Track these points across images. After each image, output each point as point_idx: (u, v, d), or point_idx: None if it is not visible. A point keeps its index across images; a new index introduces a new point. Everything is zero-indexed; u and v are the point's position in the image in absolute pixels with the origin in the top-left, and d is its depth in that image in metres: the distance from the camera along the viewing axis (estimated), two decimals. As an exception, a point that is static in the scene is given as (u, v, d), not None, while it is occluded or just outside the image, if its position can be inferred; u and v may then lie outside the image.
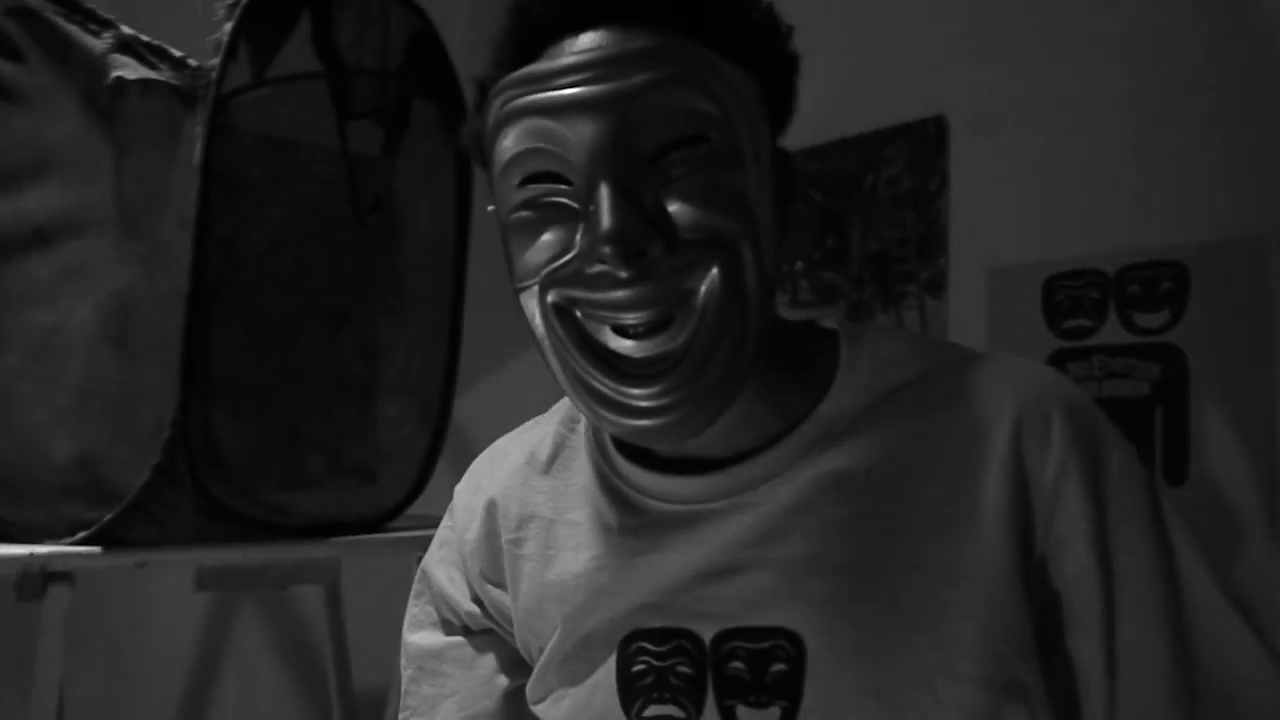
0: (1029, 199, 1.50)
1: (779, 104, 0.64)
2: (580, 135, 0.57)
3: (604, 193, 0.56)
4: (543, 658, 0.72)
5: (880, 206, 1.70)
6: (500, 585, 0.76)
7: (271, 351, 1.47)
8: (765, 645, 0.62)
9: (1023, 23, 1.51)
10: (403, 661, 0.84)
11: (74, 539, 1.10)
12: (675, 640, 0.65)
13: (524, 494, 0.75)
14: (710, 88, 0.58)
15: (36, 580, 1.08)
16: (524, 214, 0.60)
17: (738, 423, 0.64)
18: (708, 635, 0.64)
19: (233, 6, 1.11)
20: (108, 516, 1.08)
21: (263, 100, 1.27)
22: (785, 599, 0.62)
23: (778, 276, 0.64)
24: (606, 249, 0.55)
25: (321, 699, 1.81)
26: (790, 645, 0.61)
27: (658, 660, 0.65)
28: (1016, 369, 0.65)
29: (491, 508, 0.77)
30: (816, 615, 0.61)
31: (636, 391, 0.58)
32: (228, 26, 1.10)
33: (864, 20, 1.72)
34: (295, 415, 1.52)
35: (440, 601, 0.83)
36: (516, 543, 0.74)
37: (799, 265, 1.83)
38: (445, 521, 0.84)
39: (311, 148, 1.53)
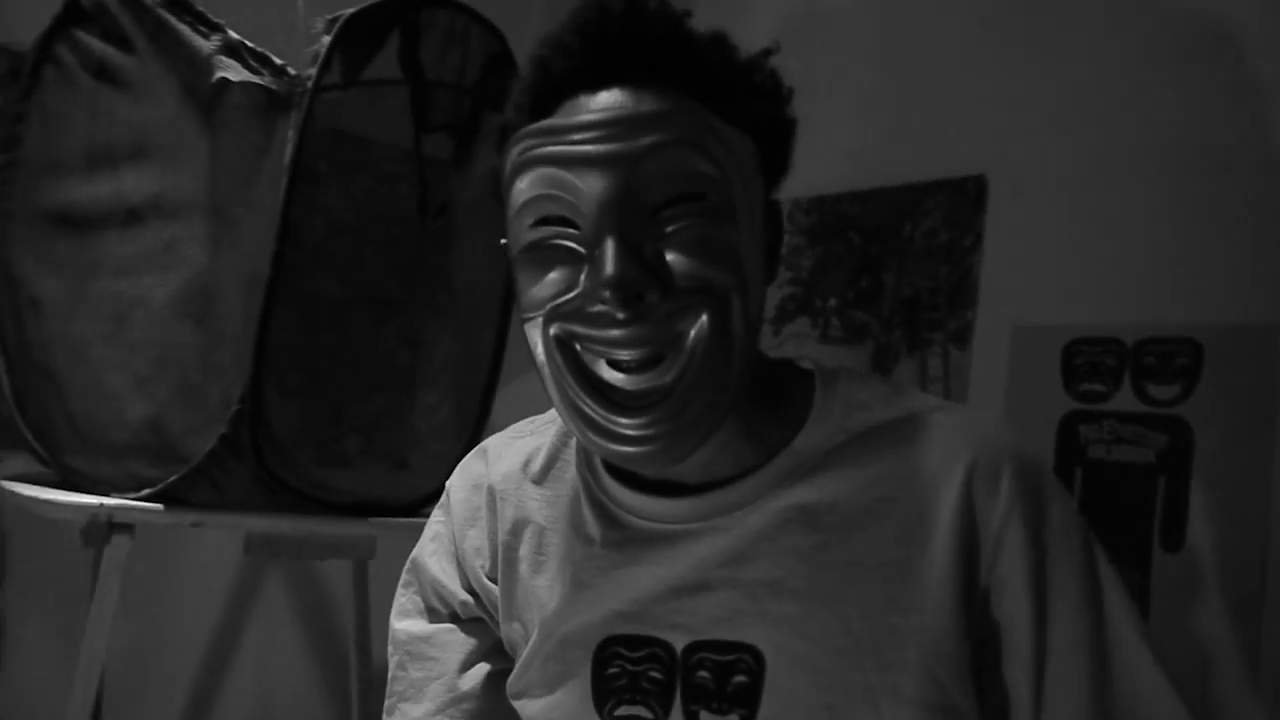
0: (1058, 264, 1.56)
1: (774, 163, 0.70)
2: (591, 187, 0.63)
3: (609, 242, 0.62)
4: (523, 656, 0.77)
5: (915, 255, 1.77)
6: (494, 579, 0.80)
7: (321, 333, 1.57)
8: (730, 658, 0.68)
9: (1068, 95, 1.58)
10: (390, 649, 0.86)
11: (138, 494, 1.20)
12: (649, 648, 0.70)
13: (519, 499, 0.79)
14: (710, 150, 0.64)
15: (102, 529, 1.18)
16: (534, 252, 0.66)
17: (716, 452, 0.69)
18: (680, 645, 0.69)
19: (331, 22, 1.20)
20: (173, 477, 1.18)
21: (341, 98, 1.36)
22: (750, 617, 0.68)
23: (761, 320, 0.69)
24: (608, 293, 0.61)
25: (337, 667, 1.90)
26: (752, 659, 0.67)
27: (632, 665, 0.71)
28: (975, 421, 0.71)
29: (491, 505, 0.81)
30: (777, 634, 0.67)
31: (625, 421, 0.64)
32: (325, 40, 1.19)
33: (915, 76, 1.79)
34: (338, 396, 1.61)
35: (430, 591, 0.85)
36: (511, 544, 0.79)
37: (832, 302, 1.90)
38: (437, 516, 0.86)
39: (378, 144, 1.62)
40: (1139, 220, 1.48)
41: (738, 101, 0.66)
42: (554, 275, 0.65)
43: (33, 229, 1.32)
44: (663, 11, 0.68)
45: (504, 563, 0.79)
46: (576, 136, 0.64)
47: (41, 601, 1.63)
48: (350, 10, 1.21)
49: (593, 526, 0.74)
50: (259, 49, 1.20)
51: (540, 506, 0.78)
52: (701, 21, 0.69)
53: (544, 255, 0.65)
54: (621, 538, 0.73)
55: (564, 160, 0.63)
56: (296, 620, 1.92)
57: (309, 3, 1.29)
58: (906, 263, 1.79)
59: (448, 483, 0.86)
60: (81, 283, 1.28)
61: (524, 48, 1.40)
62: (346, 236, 1.64)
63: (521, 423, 0.86)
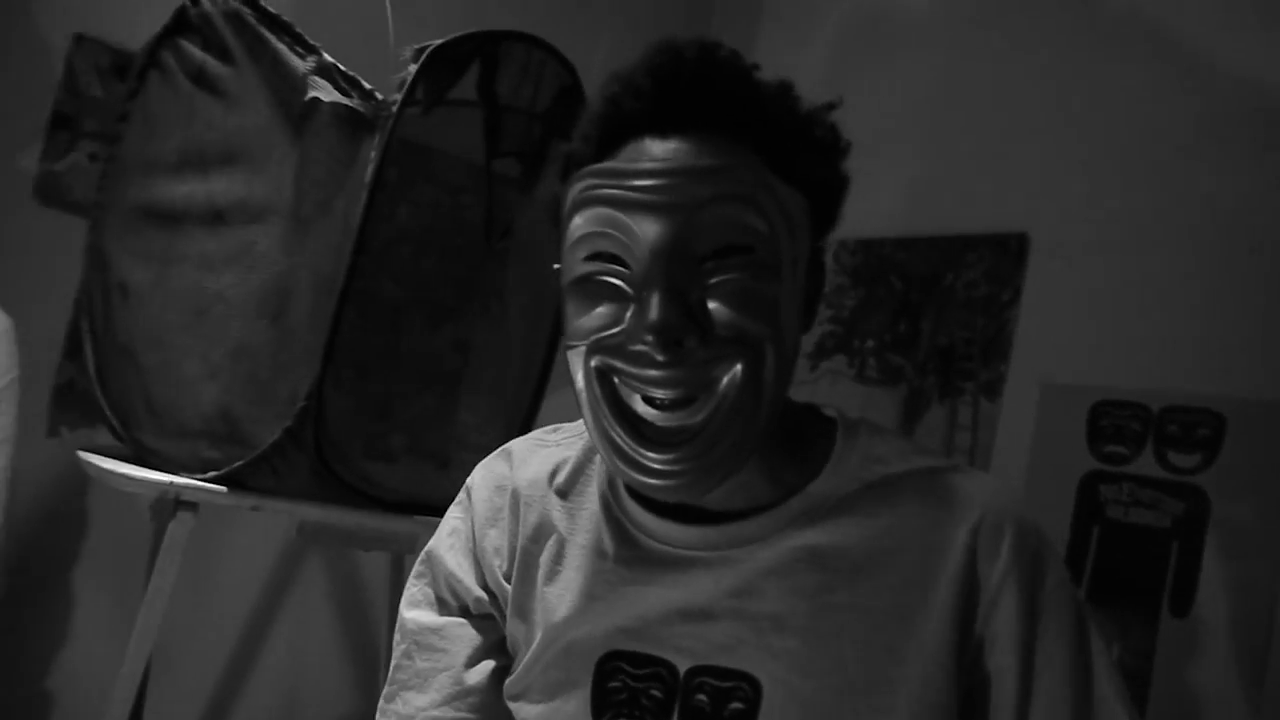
0: (1092, 326, 1.61)
1: (824, 217, 0.73)
2: (645, 233, 0.66)
3: (656, 288, 0.65)
4: (525, 659, 0.79)
5: (954, 305, 1.82)
6: (510, 579, 0.82)
7: (377, 332, 1.65)
8: (728, 685, 0.71)
9: (1114, 164, 1.63)
10: (397, 637, 0.87)
11: (205, 475, 1.29)
12: (653, 667, 0.73)
13: (544, 507, 0.81)
14: (762, 206, 0.67)
15: (170, 505, 1.27)
16: (584, 284, 0.69)
17: (735, 487, 0.71)
18: (683, 668, 0.72)
19: (419, 52, 1.28)
20: (238, 462, 1.26)
21: (420, 116, 1.44)
22: (752, 648, 0.70)
23: (793, 369, 0.71)
24: (650, 337, 0.64)
25: (366, 652, 1.99)
26: (750, 689, 0.70)
27: (634, 681, 0.73)
28: (983, 484, 0.74)
29: (514, 508, 0.82)
30: (776, 667, 0.69)
31: (653, 455, 0.67)
32: (412, 69, 1.27)
33: (968, 133, 1.84)
34: (388, 393, 1.70)
35: (444, 584, 0.85)
36: (530, 550, 0.81)
37: (870, 343, 1.96)
38: (455, 512, 0.87)
39: (447, 157, 1.71)
40: (1172, 290, 1.53)
41: (795, 157, 0.69)
42: (601, 309, 0.68)
43: (126, 220, 1.42)
44: (733, 62, 0.70)
45: (521, 565, 0.81)
46: (636, 183, 0.66)
47: (99, 571, 1.74)
48: (437, 42, 1.29)
49: (609, 542, 0.77)
50: (350, 73, 1.28)
51: (562, 517, 0.80)
52: (762, 67, 0.72)
53: (593, 289, 0.68)
54: (635, 557, 0.75)
55: (622, 204, 0.67)
56: (331, 605, 2.00)
57: (399, 32, 1.37)
58: (945, 311, 1.84)
59: (469, 480, 0.87)
60: (166, 274, 1.37)
61: (592, 79, 1.49)
62: (410, 242, 1.73)
63: (545, 430, 0.88)
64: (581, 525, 0.79)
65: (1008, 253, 1.76)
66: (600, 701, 0.74)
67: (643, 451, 0.68)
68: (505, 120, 1.55)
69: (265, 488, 1.30)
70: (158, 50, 1.40)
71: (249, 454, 1.26)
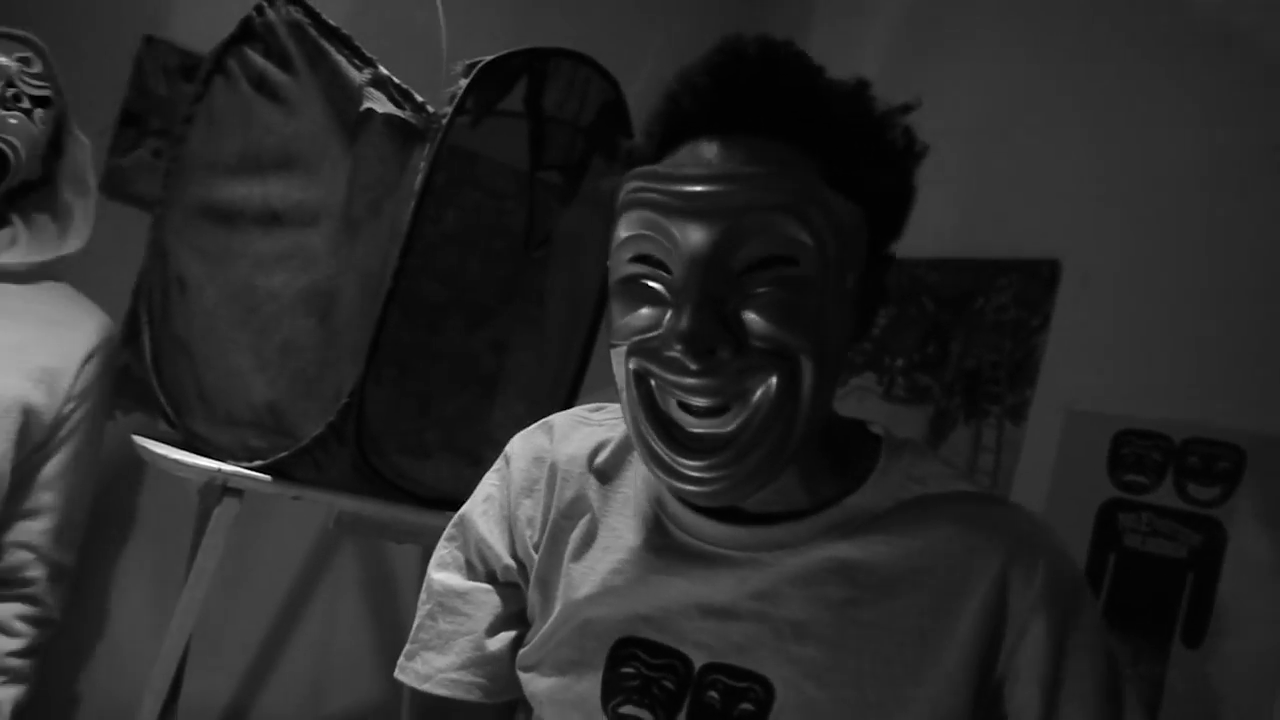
0: (1118, 355, 1.63)
1: (886, 227, 0.71)
2: (685, 239, 0.65)
3: (691, 296, 0.65)
4: (540, 632, 0.79)
5: (983, 328, 1.85)
6: (538, 550, 0.82)
7: (418, 331, 1.71)
8: (742, 685, 0.71)
9: (1147, 194, 1.64)
10: (422, 596, 0.87)
11: (250, 464, 1.35)
12: (669, 658, 0.73)
13: (581, 485, 0.81)
14: (809, 217, 0.65)
15: (216, 490, 1.34)
16: (629, 285, 0.69)
17: (772, 493, 0.71)
18: (699, 662, 0.72)
19: (470, 67, 1.34)
20: (283, 453, 1.33)
21: (468, 126, 1.50)
22: (770, 653, 0.70)
23: (836, 381, 0.70)
24: (679, 346, 0.64)
25: (392, 637, 2.05)
26: (762, 691, 0.70)
27: (648, 670, 0.73)
28: (1022, 517, 0.73)
29: (551, 481, 0.82)
30: (791, 672, 0.69)
31: (685, 461, 0.67)
32: (462, 83, 1.32)
33: (1005, 158, 1.87)
34: (425, 391, 1.76)
35: (474, 548, 0.86)
36: (563, 525, 0.81)
37: (899, 362, 1.99)
38: (492, 479, 0.88)
39: (492, 164, 1.76)
40: (1199, 323, 1.54)
41: (856, 164, 0.68)
42: (644, 311, 0.68)
43: (186, 217, 1.49)
44: (796, 63, 0.69)
45: (550, 539, 0.81)
46: (677, 188, 0.66)
47: (145, 550, 1.81)
48: (487, 58, 1.35)
49: (639, 528, 0.77)
50: (404, 85, 1.34)
51: (598, 498, 0.80)
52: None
53: (637, 290, 0.68)
54: (664, 546, 0.75)
55: (664, 209, 0.66)
56: (363, 593, 2.07)
57: (452, 47, 1.43)
58: (974, 334, 1.86)
59: (507, 448, 0.87)
60: (222, 270, 1.44)
61: (639, 90, 1.53)
62: (454, 245, 1.79)
63: (588, 407, 0.88)
64: (615, 508, 0.79)
65: (1039, 279, 1.78)
66: (611, 685, 0.74)
67: (675, 456, 0.68)
68: (550, 132, 1.61)
69: (307, 478, 1.36)
70: (223, 56, 1.47)
71: (293, 445, 1.32)
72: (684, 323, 0.64)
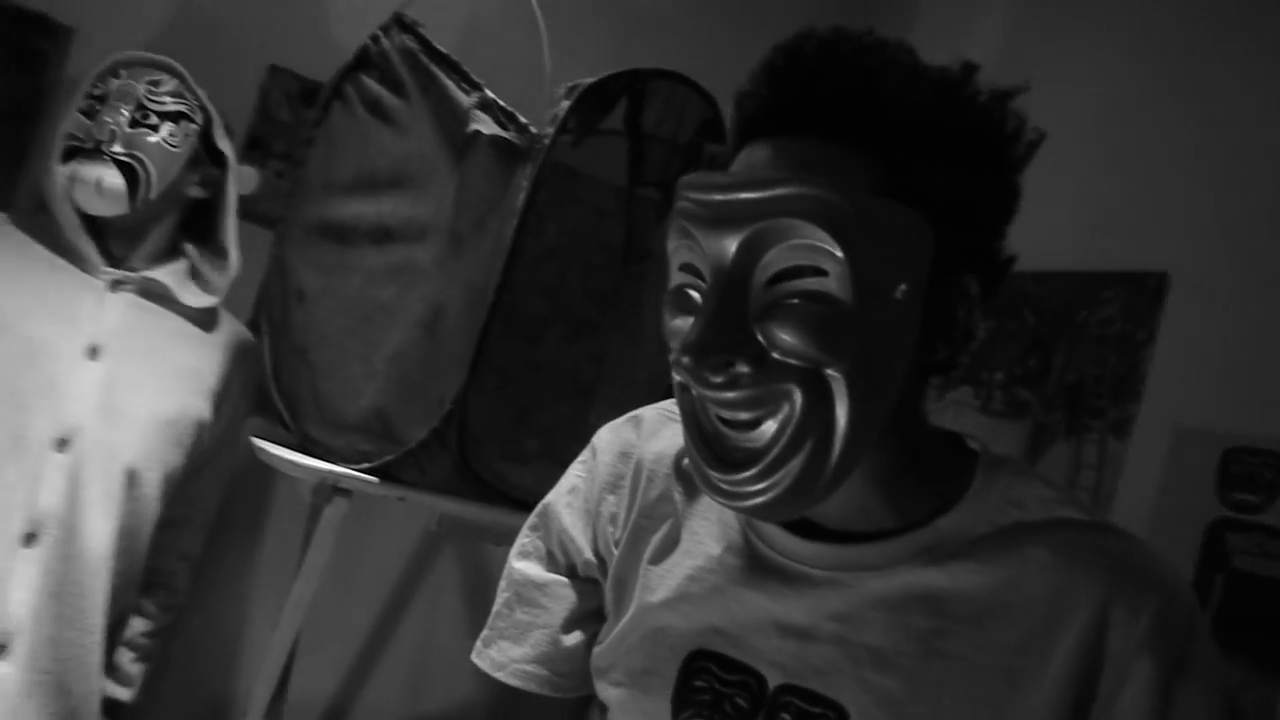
0: (1228, 370, 1.58)
1: (968, 229, 0.65)
2: (709, 249, 0.63)
3: (706, 307, 0.62)
4: (613, 634, 0.77)
5: (1087, 342, 1.81)
6: (618, 546, 0.80)
7: (520, 343, 1.77)
8: (816, 710, 0.67)
9: (1258, 207, 1.59)
10: (502, 584, 0.87)
11: (359, 466, 1.43)
12: (743, 674, 0.70)
13: (666, 485, 0.79)
14: (839, 225, 0.60)
15: (327, 490, 1.42)
16: (675, 294, 0.67)
17: (850, 511, 0.68)
18: (773, 682, 0.69)
19: (571, 89, 1.39)
20: (389, 456, 1.40)
21: (569, 145, 1.55)
22: (848, 679, 0.66)
23: (891, 399, 0.64)
24: (685, 358, 0.62)
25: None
26: (836, 718, 0.66)
27: (721, 685, 0.70)
28: (1131, 547, 0.66)
29: (636, 478, 0.80)
30: (868, 701, 0.65)
31: (717, 474, 0.65)
32: (564, 104, 1.38)
33: (1111, 168, 1.83)
34: (526, 400, 1.81)
35: (556, 540, 0.84)
36: (644, 526, 0.79)
37: (998, 376, 1.96)
38: (578, 471, 0.85)
39: (594, 181, 1.81)
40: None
41: (923, 164, 0.62)
42: (681, 322, 0.65)
43: (305, 233, 1.58)
44: (858, 59, 0.63)
45: (631, 537, 0.79)
46: (702, 196, 0.63)
47: (260, 546, 1.92)
48: (588, 80, 1.40)
49: (720, 537, 0.74)
50: (508, 108, 1.40)
51: (682, 500, 0.78)
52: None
53: (679, 299, 0.66)
54: (742, 558, 0.73)
55: (693, 217, 0.64)
56: (461, 592, 2.14)
57: (555, 69, 1.49)
58: (1077, 348, 1.83)
59: (594, 439, 0.85)
60: (337, 283, 1.53)
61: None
62: (555, 260, 1.84)
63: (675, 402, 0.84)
64: (699, 512, 0.77)
65: (1146, 291, 1.74)
66: (682, 698, 0.72)
67: (711, 470, 0.66)
68: (649, 151, 1.65)
69: (411, 481, 1.43)
70: (341, 83, 1.56)
71: (399, 449, 1.39)
72: (693, 334, 0.62)
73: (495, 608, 0.87)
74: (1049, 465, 1.79)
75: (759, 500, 0.64)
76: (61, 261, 1.36)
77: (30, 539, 1.27)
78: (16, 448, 1.26)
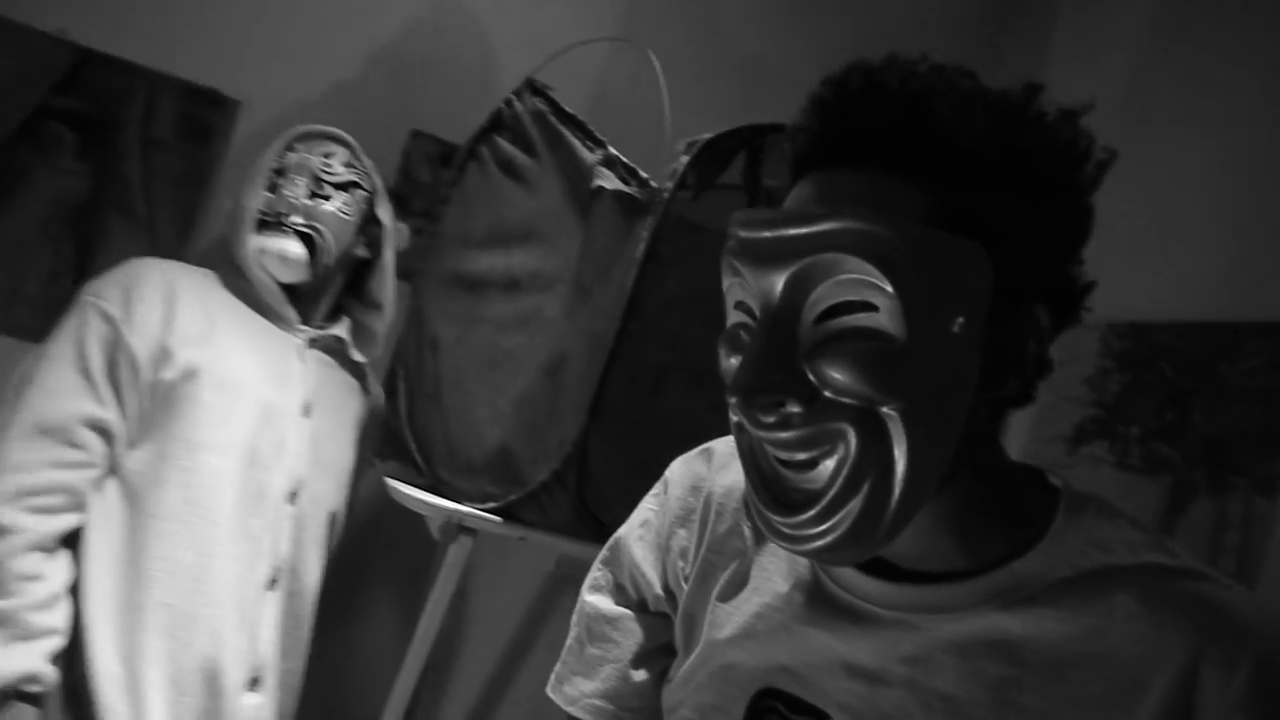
0: (1389, 427, 1.48)
1: (1032, 257, 0.62)
2: (759, 285, 0.61)
3: (752, 346, 0.61)
4: (683, 670, 0.77)
5: (1230, 396, 1.73)
6: (688, 581, 0.79)
7: (640, 390, 1.81)
8: None
9: None
10: (575, 617, 0.87)
11: (484, 506, 1.49)
12: (810, 716, 0.67)
13: (735, 520, 0.77)
14: (886, 258, 0.58)
15: (453, 529, 1.48)
16: (730, 332, 0.66)
17: (921, 550, 0.65)
18: None
19: (690, 145, 1.45)
20: (512, 496, 1.46)
21: (689, 200, 1.60)
22: None
23: (952, 437, 0.61)
24: (733, 398, 0.61)
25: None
26: None
27: None
28: (1230, 598, 0.61)
29: (706, 513, 0.79)
30: None
31: (775, 516, 0.63)
32: (684, 160, 1.43)
33: (1253, 213, 1.76)
34: (647, 448, 1.84)
35: (627, 573, 0.84)
36: (713, 561, 0.77)
37: (1134, 430, 1.89)
38: (650, 504, 0.85)
39: (710, 232, 1.85)
40: None
41: (976, 192, 0.60)
42: (737, 361, 0.63)
43: (440, 286, 1.68)
44: (905, 89, 0.61)
45: (701, 573, 0.78)
46: (748, 234, 0.62)
47: (390, 582, 2.00)
48: (707, 136, 1.45)
49: (789, 574, 0.73)
50: (630, 163, 1.47)
51: (752, 536, 0.76)
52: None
53: (732, 339, 0.65)
54: (810, 596, 0.71)
55: (740, 254, 0.63)
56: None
57: (675, 126, 1.55)
58: (1219, 402, 1.75)
59: (667, 472, 0.85)
60: (469, 332, 1.61)
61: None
62: (676, 311, 1.89)
63: None
64: (769, 549, 0.75)
65: (1292, 343, 1.66)
66: None
67: (770, 510, 0.64)
68: (767, 204, 1.68)
69: (532, 521, 1.48)
70: (477, 144, 1.66)
71: (521, 490, 1.45)
72: (741, 374, 0.61)
73: (568, 641, 0.87)
74: (1191, 524, 1.71)
75: (820, 543, 0.61)
76: (264, 323, 1.47)
77: (273, 583, 1.40)
78: (260, 502, 1.38)
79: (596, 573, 0.88)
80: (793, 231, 0.60)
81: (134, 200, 1.84)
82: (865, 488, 0.60)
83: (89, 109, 1.80)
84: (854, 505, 0.60)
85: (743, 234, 0.63)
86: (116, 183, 1.83)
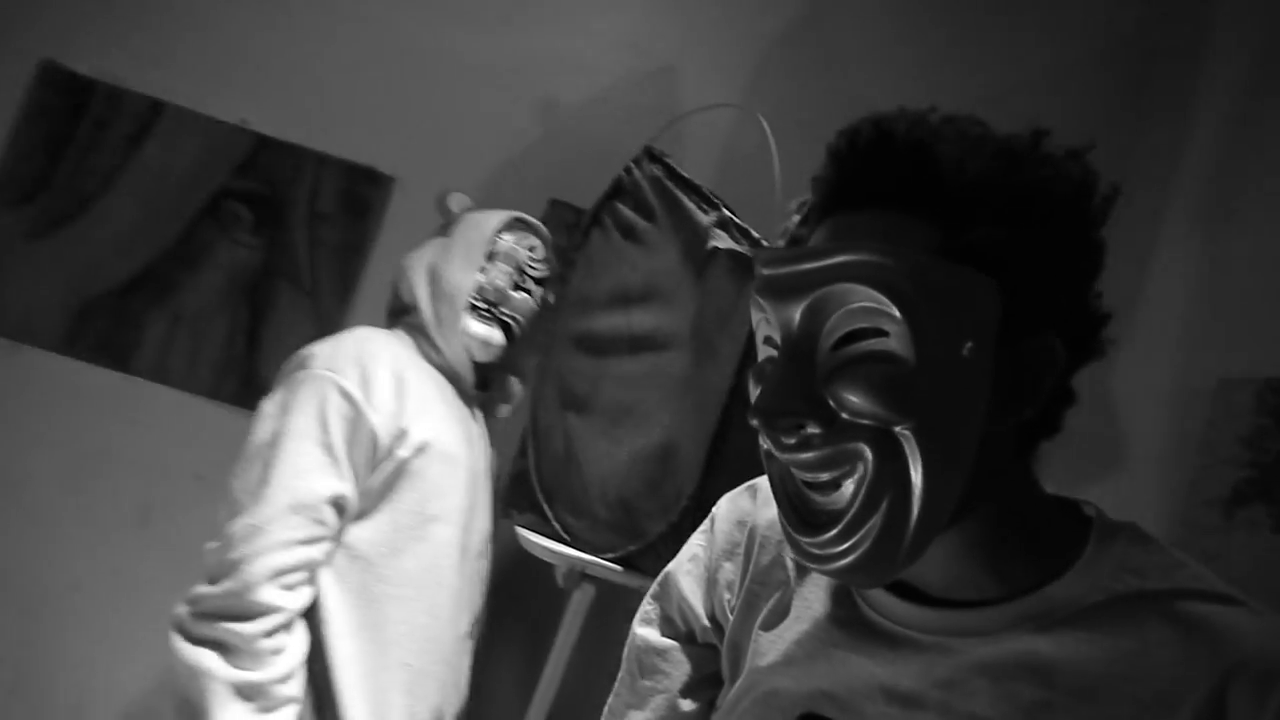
0: None
1: (1043, 287, 0.64)
2: (779, 317, 0.66)
3: (773, 372, 0.65)
4: (728, 699, 0.79)
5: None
6: (734, 613, 0.82)
7: (753, 443, 1.83)
8: None
9: None
10: (626, 650, 0.89)
11: (606, 555, 1.54)
12: None
13: (778, 551, 0.80)
14: (894, 287, 0.62)
15: (576, 577, 1.54)
16: (759, 365, 0.70)
17: (951, 579, 0.68)
18: None
19: (800, 204, 1.48)
20: (632, 547, 1.51)
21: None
22: None
23: (967, 459, 0.64)
24: (754, 421, 0.65)
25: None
26: None
27: None
28: (1263, 623, 0.61)
29: (750, 546, 0.82)
30: None
31: (805, 539, 0.66)
32: (794, 219, 1.47)
33: None
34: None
35: (675, 606, 0.87)
36: (757, 592, 0.80)
37: (1295, 493, 1.77)
38: (698, 540, 0.88)
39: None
40: None
41: (980, 227, 0.63)
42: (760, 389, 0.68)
43: (568, 345, 1.76)
44: (911, 134, 0.65)
45: (745, 604, 0.81)
46: (769, 271, 0.68)
47: (518, 627, 2.07)
48: (816, 195, 1.49)
49: (827, 600, 0.75)
50: (743, 224, 1.52)
51: (793, 566, 0.79)
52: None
53: (761, 371, 0.69)
54: (848, 620, 0.73)
55: (762, 290, 0.68)
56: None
57: (784, 185, 1.59)
58: (1390, 462, 1.62)
59: (715, 508, 0.88)
60: (594, 389, 1.68)
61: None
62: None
63: None
64: (811, 577, 0.78)
65: None
66: None
67: (797, 532, 0.67)
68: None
69: (651, 570, 1.51)
70: (600, 211, 1.75)
71: (641, 542, 1.50)
72: (760, 398, 0.65)
73: (620, 674, 0.90)
74: (1359, 594, 1.58)
75: (844, 562, 0.65)
76: (452, 389, 1.60)
77: (471, 634, 1.56)
78: (463, 559, 1.52)
79: (647, 606, 0.92)
80: (808, 266, 0.65)
81: (300, 269, 2.03)
82: (884, 505, 0.63)
83: (263, 188, 2.02)
84: (874, 522, 0.63)
85: (765, 271, 0.68)
86: (285, 254, 2.02)
